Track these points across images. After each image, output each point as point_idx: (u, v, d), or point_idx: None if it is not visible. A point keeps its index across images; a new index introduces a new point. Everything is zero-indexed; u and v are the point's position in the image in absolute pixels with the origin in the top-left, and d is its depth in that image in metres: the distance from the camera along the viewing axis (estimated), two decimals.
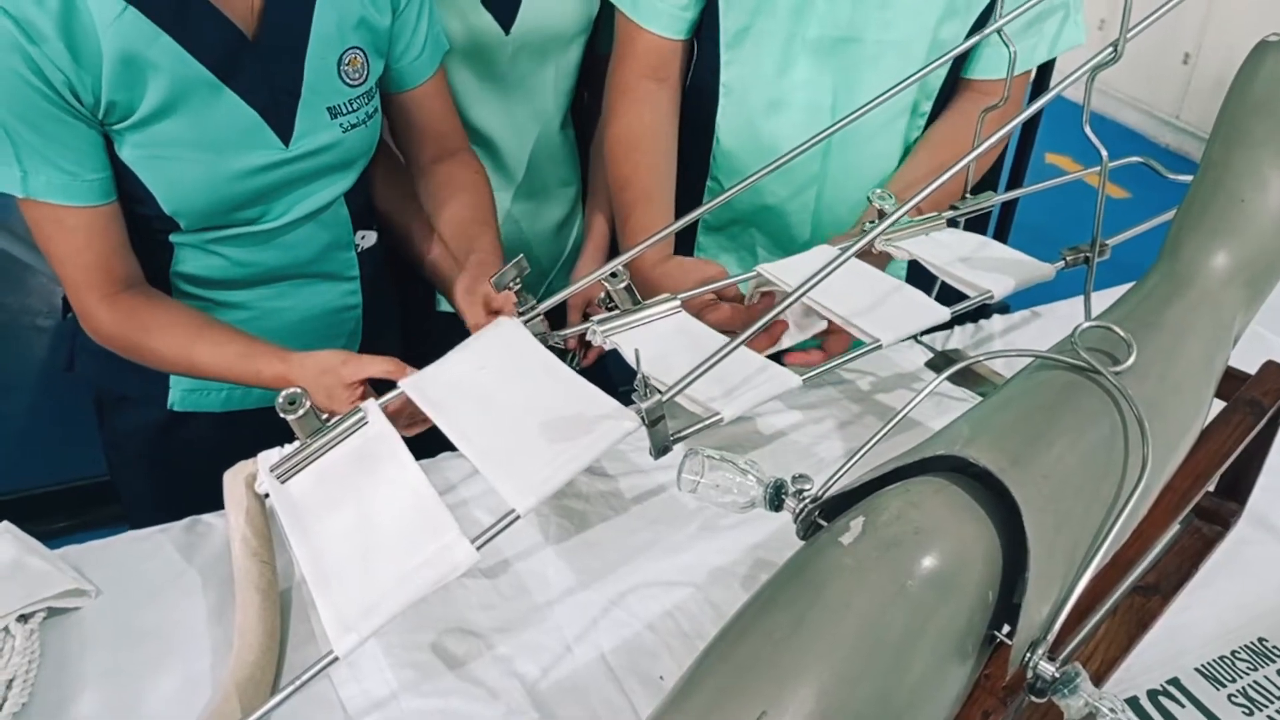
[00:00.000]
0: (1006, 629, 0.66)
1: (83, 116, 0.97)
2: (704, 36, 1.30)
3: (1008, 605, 0.66)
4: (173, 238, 1.10)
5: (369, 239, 1.29)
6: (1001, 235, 2.81)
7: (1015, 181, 2.76)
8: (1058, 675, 0.60)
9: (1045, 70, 2.19)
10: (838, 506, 0.68)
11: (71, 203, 0.99)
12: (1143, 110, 4.60)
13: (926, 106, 1.31)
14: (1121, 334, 0.76)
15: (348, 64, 1.11)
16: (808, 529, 0.69)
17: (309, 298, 1.24)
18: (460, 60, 1.33)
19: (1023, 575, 0.62)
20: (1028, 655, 0.61)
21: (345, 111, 1.13)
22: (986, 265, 1.10)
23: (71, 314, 1.32)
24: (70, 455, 2.02)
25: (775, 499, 0.71)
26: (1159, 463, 0.74)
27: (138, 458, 1.30)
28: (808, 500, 0.69)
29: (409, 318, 1.45)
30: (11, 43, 0.90)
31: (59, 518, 2.03)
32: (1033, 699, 0.62)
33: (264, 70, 1.05)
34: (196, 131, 1.03)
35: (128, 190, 1.03)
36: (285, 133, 1.09)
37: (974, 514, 0.63)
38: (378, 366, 0.95)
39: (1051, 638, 0.62)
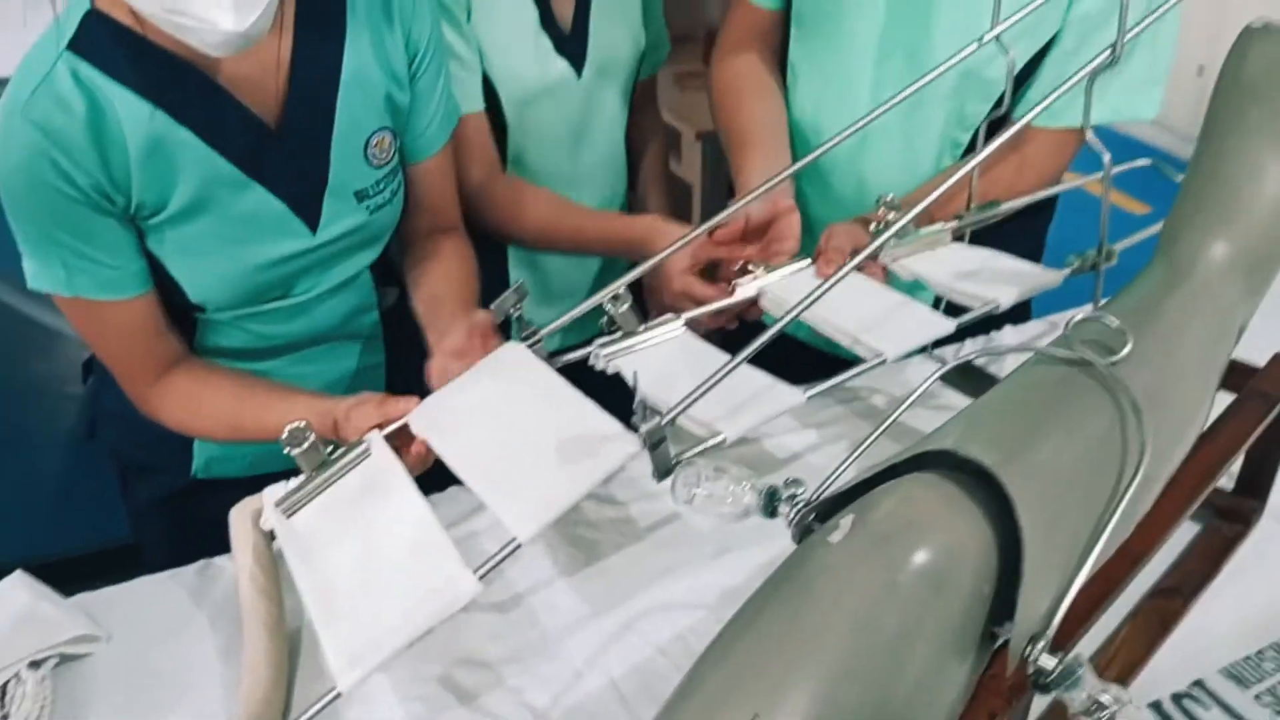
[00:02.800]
0: (1009, 626, 0.65)
1: (115, 214, 0.97)
2: (786, 12, 1.34)
3: (1011, 603, 0.65)
4: (197, 315, 1.10)
5: (390, 296, 1.29)
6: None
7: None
8: (1060, 667, 0.59)
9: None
10: (832, 509, 0.67)
11: (114, 297, 1.00)
12: (1159, 125, 4.58)
13: (963, 138, 1.28)
14: (1115, 324, 0.75)
15: (375, 145, 1.10)
16: (803, 533, 0.69)
17: (333, 360, 1.24)
18: (535, 107, 1.34)
19: (1019, 567, 0.61)
20: (1028, 649, 0.60)
21: (373, 194, 1.11)
22: (991, 277, 1.09)
23: (93, 378, 1.33)
24: (99, 520, 2.03)
25: (769, 505, 0.70)
26: (1161, 452, 0.73)
27: (162, 525, 1.30)
28: (801, 504, 0.69)
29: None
30: (41, 151, 0.91)
31: (89, 584, 2.05)
32: (1040, 696, 0.61)
33: (289, 161, 1.04)
34: (225, 226, 1.03)
35: (155, 279, 1.04)
36: (313, 221, 1.08)
37: (967, 508, 0.62)
38: (374, 417, 0.90)
39: (1052, 631, 0.61)
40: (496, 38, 1.28)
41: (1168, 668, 0.88)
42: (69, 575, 0.99)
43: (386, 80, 1.09)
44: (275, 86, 1.03)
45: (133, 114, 0.94)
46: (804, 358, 0.93)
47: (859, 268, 1.09)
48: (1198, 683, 0.87)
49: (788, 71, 1.35)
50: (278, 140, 1.03)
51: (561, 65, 1.33)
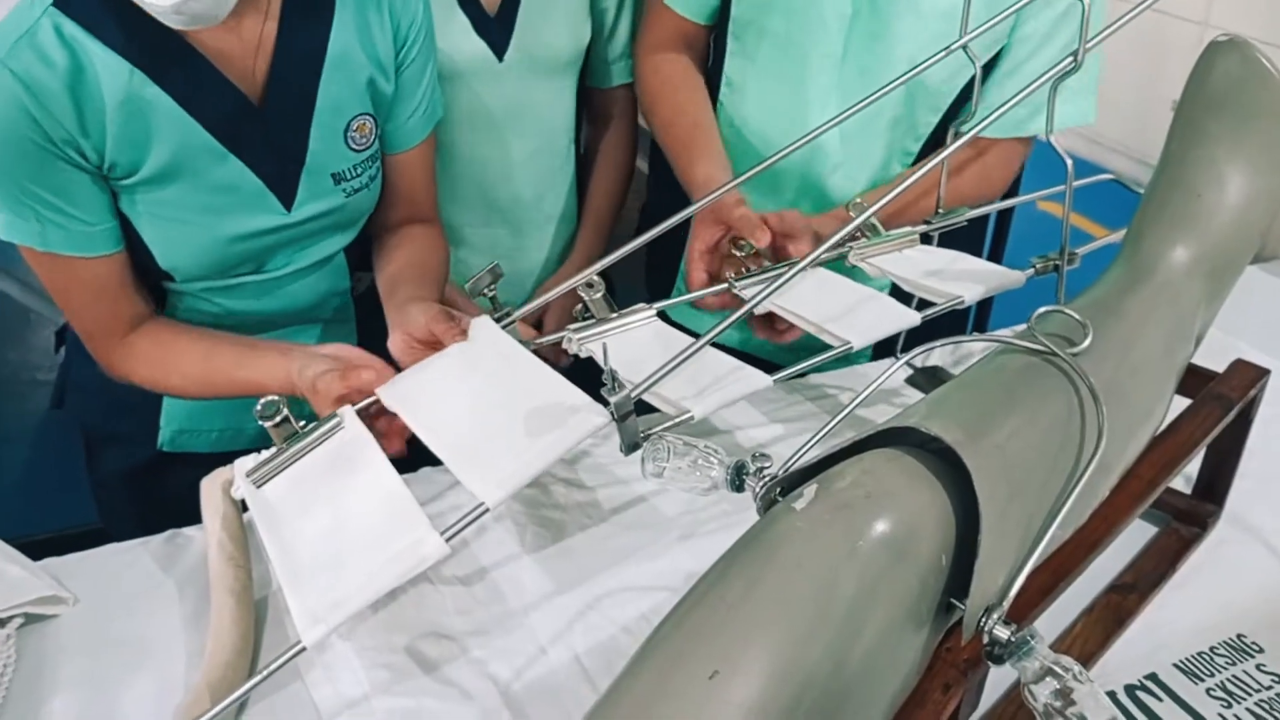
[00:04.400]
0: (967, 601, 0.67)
1: (89, 171, 0.98)
2: (719, 23, 1.35)
3: (969, 578, 0.66)
4: (167, 285, 1.11)
5: (365, 281, 1.30)
6: None
7: (1002, 226, 2.78)
8: (1013, 638, 0.60)
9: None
10: (796, 484, 0.68)
11: (87, 254, 1.00)
12: (1134, 158, 4.65)
13: (914, 147, 1.31)
14: (1077, 317, 0.77)
15: (355, 130, 1.11)
16: (768, 507, 0.70)
17: (303, 340, 1.23)
18: (455, 88, 1.34)
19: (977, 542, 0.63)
20: (983, 619, 0.61)
21: (350, 177, 1.12)
22: (957, 275, 1.11)
23: (64, 349, 1.33)
24: (66, 503, 2.03)
25: (736, 479, 0.72)
26: (1118, 441, 0.74)
27: (126, 498, 1.30)
28: (768, 479, 0.70)
29: None
30: (17, 101, 0.91)
31: None
32: (992, 665, 0.63)
33: (269, 137, 1.05)
34: (199, 195, 1.03)
35: (126, 243, 1.04)
36: (288, 198, 1.09)
37: (927, 481, 0.64)
38: (338, 387, 0.91)
39: (1007, 603, 0.62)
40: None
41: (1122, 661, 0.89)
42: (34, 556, 0.98)
43: (371, 66, 1.10)
44: (258, 64, 1.03)
45: (112, 72, 0.94)
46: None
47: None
48: (1151, 675, 0.88)
49: (723, 82, 1.35)
50: (258, 115, 1.04)
51: (480, 46, 1.32)
